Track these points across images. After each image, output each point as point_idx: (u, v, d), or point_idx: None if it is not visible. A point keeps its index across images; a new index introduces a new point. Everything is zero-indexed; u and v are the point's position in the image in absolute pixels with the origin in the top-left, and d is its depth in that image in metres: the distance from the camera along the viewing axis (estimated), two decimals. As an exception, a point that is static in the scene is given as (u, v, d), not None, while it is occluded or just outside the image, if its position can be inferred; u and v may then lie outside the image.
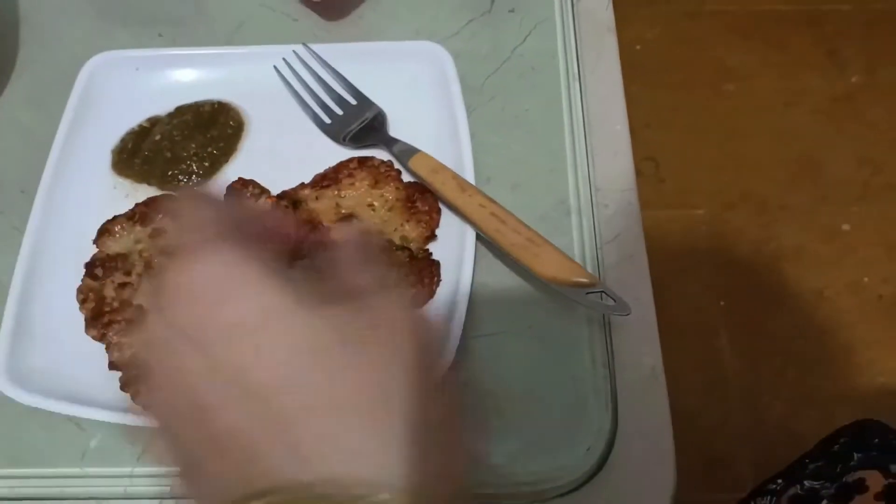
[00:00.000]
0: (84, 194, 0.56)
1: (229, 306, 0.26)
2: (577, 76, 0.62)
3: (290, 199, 0.55)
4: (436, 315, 0.46)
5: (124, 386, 0.48)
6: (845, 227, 1.45)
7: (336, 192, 0.55)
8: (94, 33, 0.65)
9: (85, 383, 0.48)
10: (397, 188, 0.55)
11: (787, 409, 1.27)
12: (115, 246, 0.54)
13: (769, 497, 0.40)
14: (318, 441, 0.25)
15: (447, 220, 0.55)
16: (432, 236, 0.54)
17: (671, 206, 1.46)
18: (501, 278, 0.53)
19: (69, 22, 0.67)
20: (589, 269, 0.53)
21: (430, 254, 0.53)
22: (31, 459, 0.47)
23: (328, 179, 0.56)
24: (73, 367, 0.49)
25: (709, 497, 1.15)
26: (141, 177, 0.58)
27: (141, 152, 0.58)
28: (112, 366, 0.49)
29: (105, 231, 0.54)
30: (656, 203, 1.44)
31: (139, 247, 0.53)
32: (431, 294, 0.51)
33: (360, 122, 0.58)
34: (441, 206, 0.55)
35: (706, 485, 1.18)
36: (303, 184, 0.56)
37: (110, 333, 0.50)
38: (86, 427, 0.48)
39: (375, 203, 0.55)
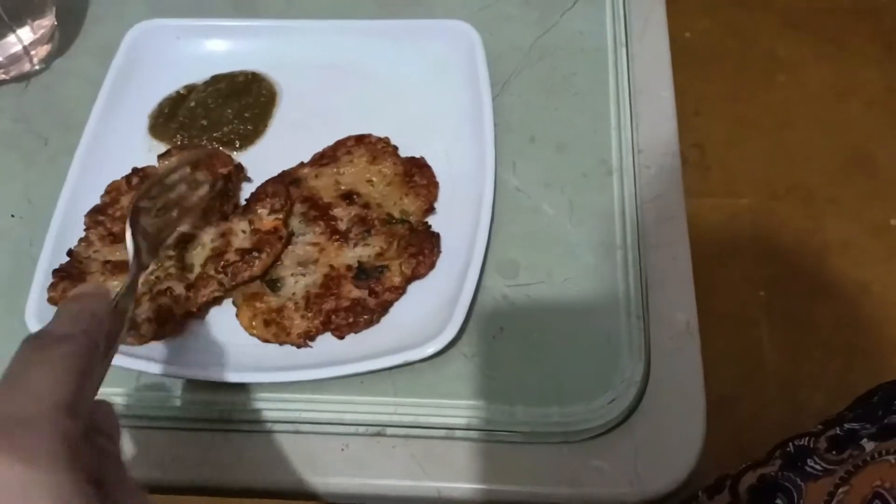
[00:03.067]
0: (121, 154, 0.58)
1: None
2: (624, 43, 0.62)
3: (291, 178, 0.56)
4: None
5: (54, 272, 0.51)
6: (894, 222, 1.43)
7: (335, 170, 0.56)
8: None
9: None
10: (395, 163, 0.56)
11: (827, 401, 1.25)
12: (161, 171, 0.55)
13: (807, 438, 0.41)
14: None
15: (445, 193, 0.55)
16: (431, 209, 0.55)
17: (715, 194, 1.45)
18: (538, 231, 0.54)
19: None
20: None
21: (430, 226, 0.54)
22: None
23: (327, 158, 0.57)
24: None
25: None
26: (175, 140, 0.60)
27: (177, 117, 0.61)
28: (68, 252, 0.52)
29: (168, 153, 0.57)
30: (700, 191, 1.43)
31: (176, 185, 0.54)
32: (432, 265, 0.52)
33: None
34: (438, 180, 0.56)
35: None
36: (302, 163, 0.57)
37: (92, 228, 0.53)
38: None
39: (374, 178, 0.56)
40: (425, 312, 0.50)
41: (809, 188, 1.46)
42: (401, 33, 0.62)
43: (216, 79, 0.62)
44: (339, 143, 0.58)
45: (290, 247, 0.53)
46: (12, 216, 0.58)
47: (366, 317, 0.50)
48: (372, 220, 0.54)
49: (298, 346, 0.50)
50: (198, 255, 0.52)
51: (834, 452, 0.38)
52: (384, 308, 0.51)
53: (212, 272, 0.51)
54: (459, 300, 0.49)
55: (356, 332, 0.50)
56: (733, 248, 1.40)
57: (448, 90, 0.59)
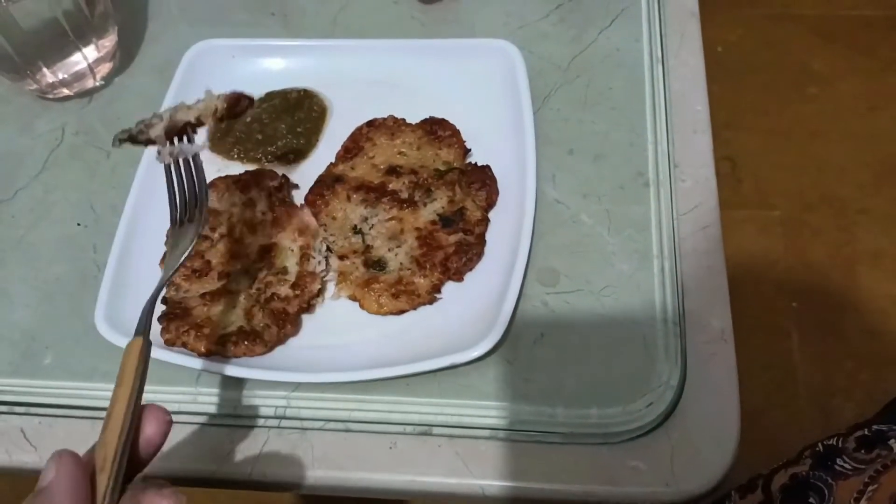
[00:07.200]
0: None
1: None
2: (660, 59, 0.64)
3: (331, 178, 0.59)
4: None
5: (160, 319, 0.53)
6: (928, 234, 1.43)
7: (365, 157, 0.60)
8: (215, 11, 0.72)
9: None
10: (412, 131, 0.61)
11: (858, 411, 1.24)
12: (215, 202, 0.59)
13: (836, 438, 0.43)
14: None
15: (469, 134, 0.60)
16: (467, 151, 0.59)
17: (747, 206, 1.46)
18: (576, 241, 0.56)
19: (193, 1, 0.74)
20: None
21: (475, 164, 0.59)
22: (155, 379, 0.53)
23: (351, 151, 0.61)
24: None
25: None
26: (232, 154, 0.63)
27: (233, 132, 0.64)
28: (163, 300, 0.54)
29: (213, 185, 0.59)
30: (732, 203, 1.44)
31: (233, 210, 0.58)
32: (497, 191, 0.57)
33: None
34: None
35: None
36: (331, 163, 0.61)
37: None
38: (202, 353, 0.54)
39: (403, 150, 0.60)
40: (470, 319, 0.53)
41: (841, 200, 1.47)
42: (445, 51, 0.65)
43: (270, 95, 0.65)
44: (355, 135, 0.61)
45: (373, 230, 0.56)
46: (78, 224, 0.61)
47: (474, 251, 0.54)
48: (425, 180, 0.58)
49: (431, 303, 0.53)
50: (289, 258, 0.55)
51: (863, 452, 0.40)
52: (481, 240, 0.55)
53: (311, 267, 0.54)
54: (503, 307, 0.51)
55: (471, 270, 0.54)
56: (765, 259, 1.41)
57: (490, 105, 0.62)
